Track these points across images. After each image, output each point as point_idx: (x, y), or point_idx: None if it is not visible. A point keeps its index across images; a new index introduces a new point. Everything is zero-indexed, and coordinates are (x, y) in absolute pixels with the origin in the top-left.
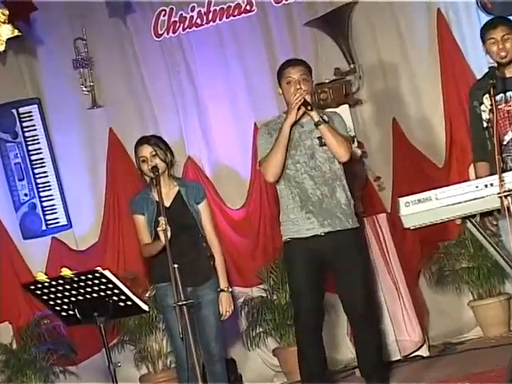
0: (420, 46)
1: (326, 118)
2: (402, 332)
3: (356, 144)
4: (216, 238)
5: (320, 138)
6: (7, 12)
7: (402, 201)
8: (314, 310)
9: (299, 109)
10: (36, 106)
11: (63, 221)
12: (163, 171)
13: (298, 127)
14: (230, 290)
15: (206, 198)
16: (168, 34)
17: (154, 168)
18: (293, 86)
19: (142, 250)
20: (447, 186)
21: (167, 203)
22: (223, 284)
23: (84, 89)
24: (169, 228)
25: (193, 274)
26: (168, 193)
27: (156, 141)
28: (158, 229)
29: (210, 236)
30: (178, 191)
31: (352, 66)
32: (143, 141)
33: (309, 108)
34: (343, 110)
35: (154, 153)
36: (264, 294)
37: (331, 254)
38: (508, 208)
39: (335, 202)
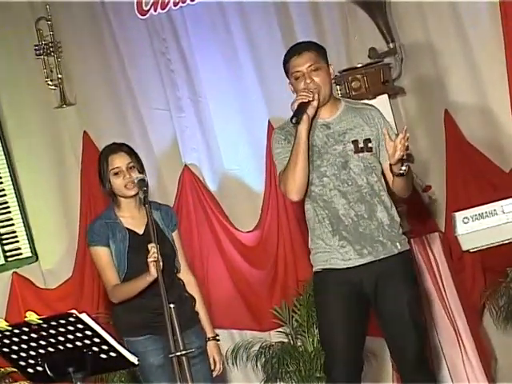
0: (480, 23)
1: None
2: (462, 382)
3: None
4: (192, 275)
5: (356, 142)
6: None
7: (459, 216)
8: (352, 361)
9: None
10: None
11: (26, 252)
12: (137, 191)
13: (324, 128)
14: (219, 337)
15: (179, 226)
16: (156, 10)
17: (141, 182)
18: (302, 82)
19: (112, 292)
20: None
21: (139, 231)
22: (210, 331)
23: (50, 83)
24: (161, 258)
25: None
26: (139, 218)
27: (130, 149)
28: (149, 259)
29: (186, 272)
30: (151, 214)
31: (391, 45)
32: (116, 148)
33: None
34: (381, 102)
35: (131, 164)
36: (285, 340)
37: (374, 288)
38: None
39: (376, 224)
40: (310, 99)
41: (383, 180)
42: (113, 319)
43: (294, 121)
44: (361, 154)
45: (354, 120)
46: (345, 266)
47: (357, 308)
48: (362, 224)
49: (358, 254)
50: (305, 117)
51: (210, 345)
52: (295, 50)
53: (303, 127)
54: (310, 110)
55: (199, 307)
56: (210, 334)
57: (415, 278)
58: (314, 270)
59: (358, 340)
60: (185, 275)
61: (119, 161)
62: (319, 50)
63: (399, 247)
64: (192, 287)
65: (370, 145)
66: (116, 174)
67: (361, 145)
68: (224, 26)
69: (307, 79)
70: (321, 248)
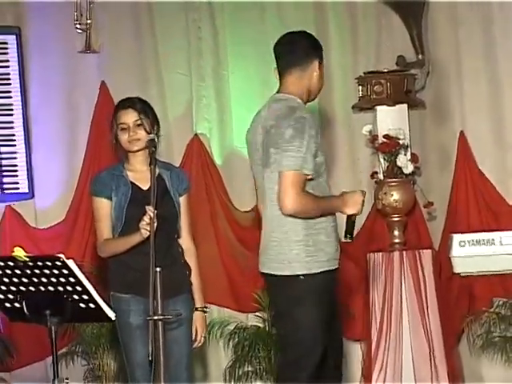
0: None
1: None
2: None
3: (409, 156)
4: (194, 244)
5: None
6: None
7: (457, 238)
8: None
9: None
10: (14, 36)
11: (24, 187)
12: (144, 147)
13: None
14: (207, 309)
15: (189, 191)
16: None
17: (150, 142)
18: None
19: (101, 245)
20: None
21: (144, 186)
22: (199, 302)
23: (78, 26)
24: (158, 220)
25: (164, 282)
26: (145, 174)
27: (143, 106)
28: (142, 222)
29: (188, 240)
30: (159, 175)
31: (420, 57)
32: (127, 104)
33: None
34: (400, 111)
35: (138, 121)
36: (261, 325)
37: None
38: None
39: None
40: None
41: None
42: (108, 271)
43: (349, 239)
44: None
45: None
46: None
47: None
48: None
49: None
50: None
51: (196, 315)
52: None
53: None
54: None
55: (194, 277)
56: (198, 305)
57: None
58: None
59: None
60: (185, 242)
61: (126, 117)
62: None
63: None
64: (190, 256)
65: None
66: (123, 129)
67: None
68: (260, 14)
69: None
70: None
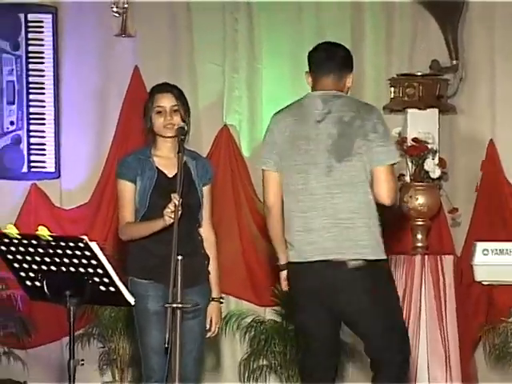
0: None
1: None
2: None
3: (437, 161)
4: (214, 234)
5: None
6: None
7: (480, 246)
8: None
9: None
10: (50, 16)
11: (50, 167)
12: (175, 134)
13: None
14: (223, 300)
15: (213, 181)
16: None
17: (181, 130)
18: None
19: (123, 228)
20: None
21: (169, 173)
22: (216, 292)
23: (115, 9)
24: (181, 208)
25: (183, 271)
26: (172, 161)
27: (180, 93)
28: (167, 210)
29: (208, 230)
30: (185, 163)
31: (454, 62)
32: (166, 88)
33: None
34: (431, 115)
35: (176, 107)
36: (279, 320)
37: None
38: None
39: None
40: None
41: None
42: (128, 256)
43: None
44: None
45: None
46: None
47: None
48: None
49: None
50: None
51: (212, 305)
52: None
53: None
54: None
55: (212, 267)
56: (214, 295)
57: None
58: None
59: None
60: (206, 232)
61: (165, 101)
62: None
63: None
64: (209, 245)
65: None
66: (159, 112)
67: None
68: (297, 14)
69: None
70: None
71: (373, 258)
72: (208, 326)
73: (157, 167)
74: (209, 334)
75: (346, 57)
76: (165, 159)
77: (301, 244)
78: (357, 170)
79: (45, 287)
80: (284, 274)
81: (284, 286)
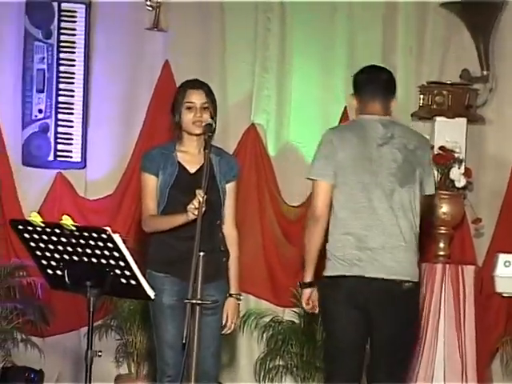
0: None
1: None
2: None
3: (462, 170)
4: (237, 231)
5: None
6: None
7: (502, 258)
8: None
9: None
10: (84, 6)
11: (76, 157)
12: (203, 132)
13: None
14: (241, 297)
15: (238, 179)
16: None
17: (209, 126)
18: None
19: (147, 220)
20: None
21: (191, 169)
22: (234, 288)
23: (148, 3)
24: (204, 206)
25: (203, 267)
26: (195, 158)
27: (210, 91)
28: (191, 206)
29: (231, 227)
30: (209, 159)
31: (485, 72)
32: (197, 85)
33: None
34: (459, 125)
35: (206, 104)
36: (297, 321)
37: None
38: None
39: None
40: None
41: None
42: (148, 249)
43: None
44: None
45: None
46: None
47: None
48: None
49: None
50: None
51: (229, 301)
52: None
53: None
54: None
55: (232, 263)
56: (232, 291)
57: None
58: None
59: None
60: (229, 229)
61: (196, 97)
62: None
63: None
64: (231, 242)
65: None
66: (189, 108)
67: None
68: (331, 14)
69: None
70: None
71: (417, 280)
72: (224, 322)
73: (179, 162)
74: (224, 330)
75: (393, 83)
76: (189, 155)
77: (355, 258)
78: (416, 196)
79: (66, 276)
80: (308, 292)
81: (307, 305)
